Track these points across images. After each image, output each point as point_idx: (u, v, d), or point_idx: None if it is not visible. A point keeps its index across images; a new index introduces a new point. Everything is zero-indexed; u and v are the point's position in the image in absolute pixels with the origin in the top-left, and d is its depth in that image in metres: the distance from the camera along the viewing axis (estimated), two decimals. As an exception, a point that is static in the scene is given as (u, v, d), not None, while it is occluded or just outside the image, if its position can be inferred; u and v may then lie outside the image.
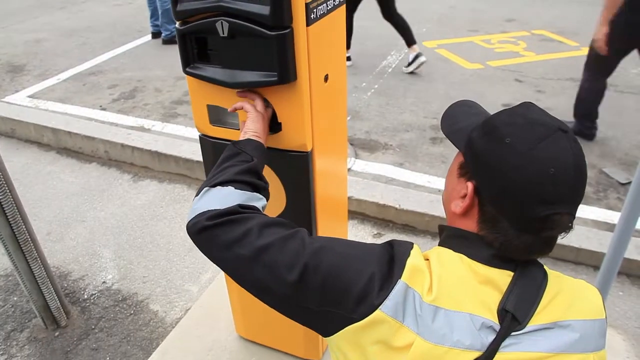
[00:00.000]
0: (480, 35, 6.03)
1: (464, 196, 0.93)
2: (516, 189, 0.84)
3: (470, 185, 0.92)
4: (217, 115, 1.67)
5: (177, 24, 1.51)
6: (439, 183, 3.29)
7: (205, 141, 1.75)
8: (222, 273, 2.53)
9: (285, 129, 1.55)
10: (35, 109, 4.76)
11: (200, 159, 3.34)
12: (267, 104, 1.51)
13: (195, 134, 3.96)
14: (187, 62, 1.56)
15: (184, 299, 2.66)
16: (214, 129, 1.69)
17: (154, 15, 6.49)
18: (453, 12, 6.96)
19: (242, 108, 1.44)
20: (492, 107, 4.22)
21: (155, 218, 3.23)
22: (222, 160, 1.24)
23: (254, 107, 1.44)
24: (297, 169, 1.63)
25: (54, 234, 3.09)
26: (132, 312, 2.61)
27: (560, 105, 4.15)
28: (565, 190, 0.84)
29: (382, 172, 3.45)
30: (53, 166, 3.91)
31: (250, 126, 1.37)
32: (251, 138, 1.32)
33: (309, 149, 1.59)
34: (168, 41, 6.35)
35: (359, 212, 3.11)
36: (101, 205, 3.39)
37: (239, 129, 1.61)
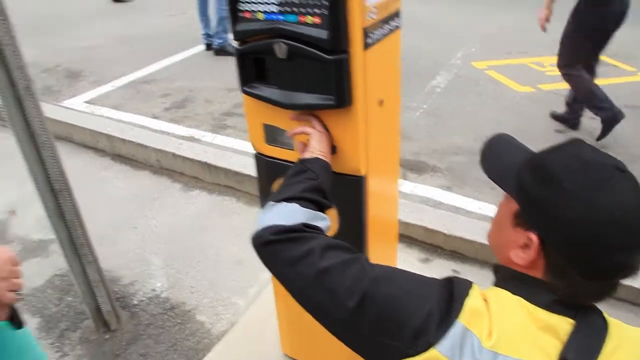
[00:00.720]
0: (531, 57, 5.94)
1: (524, 246, 0.90)
2: (585, 239, 0.82)
3: (534, 237, 0.88)
4: (272, 134, 1.70)
5: (236, 44, 1.55)
6: (490, 210, 3.23)
7: (260, 159, 1.78)
8: (270, 288, 2.56)
9: (339, 152, 1.56)
10: (90, 114, 4.92)
11: (250, 172, 3.44)
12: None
13: (244, 146, 4.03)
14: (245, 81, 1.59)
15: (230, 312, 2.70)
16: (269, 148, 1.72)
17: (206, 27, 6.63)
18: (502, 32, 6.88)
19: (302, 131, 1.47)
20: (545, 133, 4.15)
21: (204, 229, 3.29)
22: (289, 176, 1.27)
23: (315, 128, 1.46)
24: (350, 193, 1.64)
25: (106, 238, 3.18)
26: (179, 321, 2.66)
27: (618, 132, 4.04)
28: (635, 233, 0.82)
29: (429, 195, 3.43)
30: (107, 172, 4.03)
31: (315, 146, 1.39)
32: (318, 157, 1.34)
33: (362, 173, 1.60)
34: (220, 51, 6.46)
35: (407, 236, 3.09)
36: (152, 213, 3.48)
37: (293, 150, 1.64)
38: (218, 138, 4.27)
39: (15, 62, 1.91)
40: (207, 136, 4.32)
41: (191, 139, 4.22)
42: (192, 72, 5.93)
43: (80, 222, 2.34)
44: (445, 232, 2.96)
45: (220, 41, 6.44)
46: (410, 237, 3.08)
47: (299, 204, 1.15)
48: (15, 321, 1.07)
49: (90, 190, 3.69)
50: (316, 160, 1.33)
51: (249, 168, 3.51)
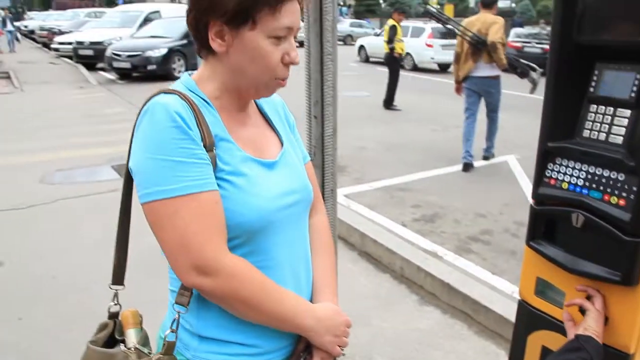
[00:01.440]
0: None
1: None
2: None
3: None
4: (543, 288, 1.77)
5: (532, 202, 1.69)
6: None
7: (523, 307, 1.85)
8: None
9: (611, 325, 1.57)
10: (347, 207, 5.41)
11: (487, 304, 3.47)
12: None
13: (484, 275, 4.07)
14: (532, 236, 1.71)
15: None
16: (536, 300, 1.79)
17: (468, 145, 6.96)
18: None
19: (581, 305, 1.52)
20: None
21: (431, 346, 3.37)
22: (563, 350, 1.34)
23: (594, 305, 1.51)
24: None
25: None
26: None
27: None
28: None
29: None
30: (353, 265, 4.37)
31: (592, 324, 1.44)
32: (593, 337, 1.39)
33: (631, 352, 1.59)
34: (486, 158, 7.13)
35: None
36: (385, 315, 3.67)
37: (561, 308, 1.69)
38: (460, 260, 4.37)
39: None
40: (449, 255, 4.45)
41: (434, 254, 4.39)
42: (446, 189, 6.19)
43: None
44: None
45: (487, 154, 7.21)
46: None
47: None
48: None
49: (335, 279, 4.04)
50: (590, 339, 1.38)
51: (487, 299, 3.54)
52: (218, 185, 1.15)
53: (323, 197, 2.29)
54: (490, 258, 4.43)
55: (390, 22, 11.23)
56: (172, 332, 1.18)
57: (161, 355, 1.18)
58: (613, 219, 1.46)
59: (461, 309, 3.66)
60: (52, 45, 22.43)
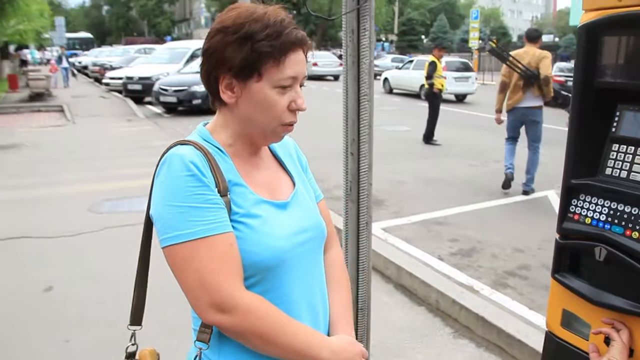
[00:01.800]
0: None
1: None
2: None
3: None
4: (569, 319, 1.83)
5: (557, 237, 1.76)
6: None
7: (551, 339, 1.91)
8: None
9: (635, 356, 1.62)
10: (384, 241, 5.48)
11: (522, 338, 3.49)
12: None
13: (520, 309, 4.09)
14: (558, 269, 1.78)
15: None
16: (562, 331, 1.85)
17: (511, 161, 7.31)
18: None
19: (608, 334, 1.58)
20: None
21: (465, 379, 3.40)
22: None
23: (620, 337, 1.56)
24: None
25: (374, 358, 3.49)
26: None
27: None
28: None
29: None
30: (388, 298, 4.43)
31: (615, 355, 1.50)
32: None
33: (655, 386, 1.63)
34: (525, 192, 7.27)
35: None
36: (419, 347, 3.71)
37: (587, 340, 1.74)
38: (496, 295, 4.39)
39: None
40: (486, 290, 4.46)
41: (470, 288, 4.41)
42: (484, 224, 6.20)
43: (367, 338, 2.68)
44: None
45: (527, 189, 7.28)
46: None
47: None
48: None
49: (371, 311, 4.10)
50: None
51: (522, 334, 3.55)
52: (233, 227, 1.23)
53: (358, 230, 2.40)
54: (527, 293, 4.43)
55: (430, 58, 11.39)
56: None
57: None
58: (635, 253, 1.53)
59: (496, 342, 3.67)
60: (103, 80, 23.40)
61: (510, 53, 7.04)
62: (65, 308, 4.15)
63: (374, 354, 3.50)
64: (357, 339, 2.63)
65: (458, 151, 10.53)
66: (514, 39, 65.24)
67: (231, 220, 1.24)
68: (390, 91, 23.97)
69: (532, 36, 7.19)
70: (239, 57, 1.23)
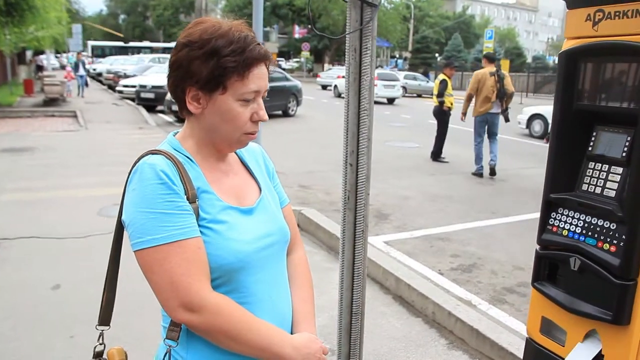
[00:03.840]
0: None
1: None
2: None
3: None
4: (548, 327, 1.94)
5: (537, 247, 1.88)
6: None
7: (530, 344, 2.02)
8: None
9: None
10: (386, 254, 5.59)
11: (514, 351, 3.57)
12: None
13: (516, 325, 4.16)
14: (537, 277, 1.90)
15: None
16: (541, 338, 1.96)
17: (481, 162, 7.96)
18: None
19: None
20: None
21: (456, 389, 3.49)
22: None
23: None
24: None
25: (369, 366, 3.59)
26: None
27: None
28: None
29: None
30: (386, 308, 4.53)
31: None
32: None
33: (625, 388, 1.73)
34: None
35: None
36: (414, 357, 3.81)
37: (563, 346, 1.85)
38: (493, 310, 4.47)
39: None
40: (483, 305, 4.55)
41: (468, 303, 4.51)
42: (487, 241, 6.28)
43: (360, 342, 2.79)
44: None
45: (493, 164, 9.74)
46: None
47: None
48: None
49: (368, 320, 4.20)
50: None
51: (514, 347, 3.63)
52: (201, 232, 1.31)
53: (354, 238, 2.52)
54: (525, 310, 4.50)
55: (441, 76, 11.50)
56: None
57: None
58: (605, 264, 1.64)
59: (489, 355, 3.76)
60: (117, 88, 23.67)
61: (476, 72, 9.94)
62: (72, 305, 4.28)
63: (369, 361, 3.60)
64: (350, 343, 2.74)
65: (465, 169, 10.63)
66: (529, 59, 65.41)
67: (199, 226, 1.31)
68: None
69: (492, 58, 10.20)
70: (205, 71, 1.31)
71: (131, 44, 41.73)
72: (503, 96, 9.66)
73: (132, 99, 20.49)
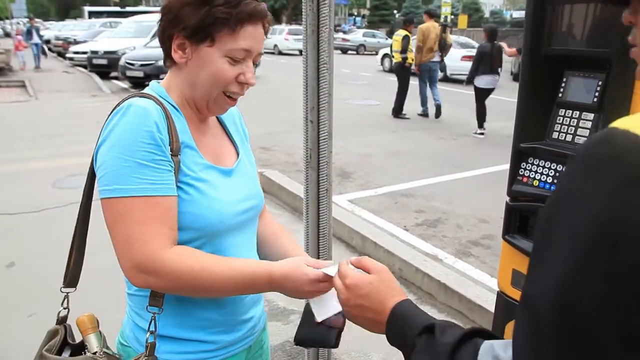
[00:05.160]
0: None
1: None
2: None
3: None
4: (519, 280, 1.90)
5: (507, 199, 1.82)
6: None
7: (501, 298, 1.99)
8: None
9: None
10: (351, 212, 5.55)
11: (482, 304, 3.59)
12: None
13: (482, 277, 4.20)
14: (507, 230, 1.85)
15: None
16: (512, 291, 1.92)
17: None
18: None
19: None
20: None
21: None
22: None
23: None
24: None
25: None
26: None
27: None
28: None
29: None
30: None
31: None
32: None
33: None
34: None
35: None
36: (384, 315, 3.80)
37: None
38: (459, 263, 4.50)
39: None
40: (449, 259, 4.57)
41: (435, 258, 4.51)
42: (451, 196, 6.30)
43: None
44: None
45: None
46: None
47: None
48: None
49: (337, 280, 4.17)
50: None
51: (482, 299, 3.65)
52: (183, 189, 1.23)
53: (318, 197, 2.43)
54: (490, 262, 4.54)
55: (402, 32, 11.35)
56: (151, 333, 1.25)
57: (146, 357, 1.24)
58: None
59: (457, 308, 3.78)
60: (67, 55, 22.79)
61: (420, 26, 11.13)
62: (28, 283, 4.12)
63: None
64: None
65: (426, 124, 10.64)
66: (487, 14, 65.53)
67: (181, 182, 1.23)
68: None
69: (433, 14, 11.82)
70: (195, 19, 1.22)
71: (128, 9, 40.28)
72: (444, 47, 11.09)
73: (84, 66, 19.77)
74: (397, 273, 4.31)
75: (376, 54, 26.25)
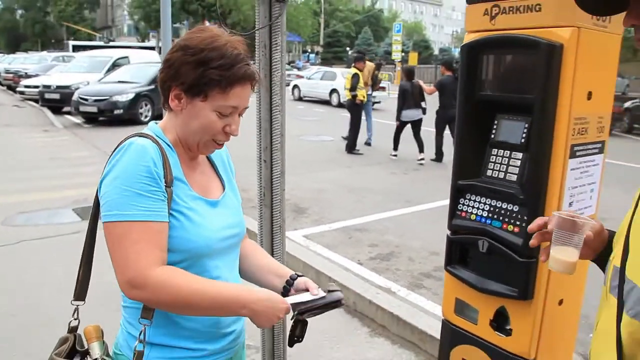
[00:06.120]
0: None
1: None
2: None
3: None
4: (461, 308, 2.03)
5: (448, 233, 1.96)
6: None
7: (446, 325, 2.11)
8: None
9: (514, 335, 1.84)
10: (306, 248, 5.63)
11: (434, 334, 3.70)
12: None
13: (434, 308, 4.31)
14: (449, 261, 1.98)
15: None
16: (456, 319, 2.05)
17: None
18: None
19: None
20: None
21: (379, 374, 3.58)
22: None
23: None
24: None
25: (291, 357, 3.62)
26: None
27: None
28: None
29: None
30: (309, 301, 4.56)
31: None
32: None
33: (531, 358, 1.85)
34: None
35: None
36: (338, 346, 3.87)
37: (476, 324, 1.95)
38: (412, 295, 4.61)
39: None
40: (402, 291, 4.68)
41: (388, 290, 4.62)
42: (403, 230, 6.46)
43: (284, 338, 2.80)
44: None
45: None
46: None
47: None
48: None
49: (290, 315, 4.22)
50: None
51: (434, 329, 3.76)
52: (175, 216, 1.40)
53: (272, 234, 2.53)
54: (441, 293, 4.63)
55: (353, 70, 11.67)
56: (140, 342, 1.40)
57: None
58: (510, 244, 1.74)
59: (410, 339, 3.89)
60: (18, 89, 22.34)
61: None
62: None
63: (293, 355, 3.62)
64: (273, 339, 2.74)
65: (380, 160, 10.87)
66: (436, 51, 67.53)
67: (174, 210, 1.40)
68: (300, 98, 25.19)
69: (360, 57, 12.40)
70: (191, 77, 1.40)
71: (112, 44, 40.02)
72: (375, 82, 12.61)
73: (36, 100, 19.42)
74: (352, 306, 4.41)
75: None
